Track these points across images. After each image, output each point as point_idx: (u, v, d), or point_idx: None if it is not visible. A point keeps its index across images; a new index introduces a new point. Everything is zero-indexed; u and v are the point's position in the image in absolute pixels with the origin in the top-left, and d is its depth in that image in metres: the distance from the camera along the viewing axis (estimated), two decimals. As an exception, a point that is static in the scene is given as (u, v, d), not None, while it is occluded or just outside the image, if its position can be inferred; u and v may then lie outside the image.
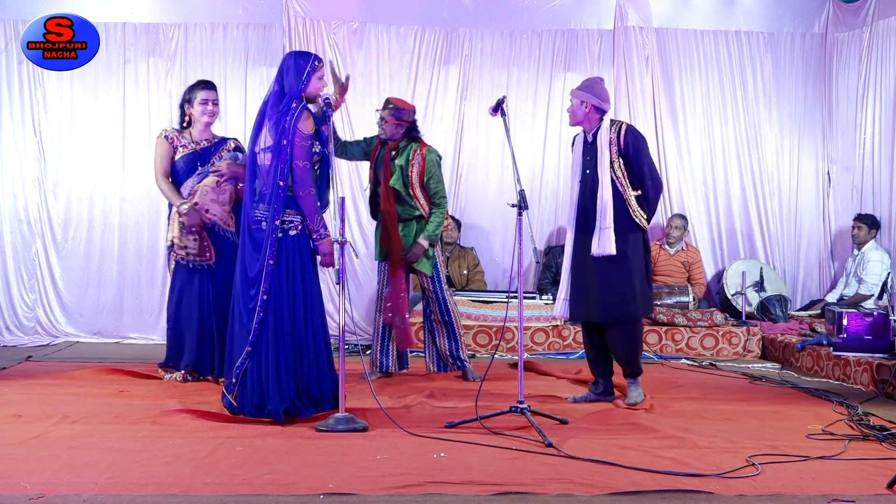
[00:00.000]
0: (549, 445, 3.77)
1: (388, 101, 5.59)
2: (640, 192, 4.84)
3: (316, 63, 4.39)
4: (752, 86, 8.13)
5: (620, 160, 4.81)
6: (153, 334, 7.51)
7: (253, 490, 3.08)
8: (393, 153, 5.52)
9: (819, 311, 7.38)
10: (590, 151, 4.90)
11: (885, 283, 7.23)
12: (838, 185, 8.12)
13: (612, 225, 4.73)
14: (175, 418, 4.21)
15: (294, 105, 4.29)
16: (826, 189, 8.20)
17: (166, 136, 5.40)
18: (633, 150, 4.81)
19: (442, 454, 3.63)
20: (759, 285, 7.69)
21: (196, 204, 5.29)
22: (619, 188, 4.79)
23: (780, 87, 8.16)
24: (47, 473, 3.23)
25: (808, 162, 8.21)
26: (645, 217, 4.85)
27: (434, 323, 5.72)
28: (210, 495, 3.02)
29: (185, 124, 5.46)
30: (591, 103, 4.85)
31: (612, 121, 4.90)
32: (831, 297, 7.62)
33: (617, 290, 4.79)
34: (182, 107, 5.48)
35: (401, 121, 5.49)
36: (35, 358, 6.41)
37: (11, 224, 7.54)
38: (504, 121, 4.46)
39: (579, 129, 5.03)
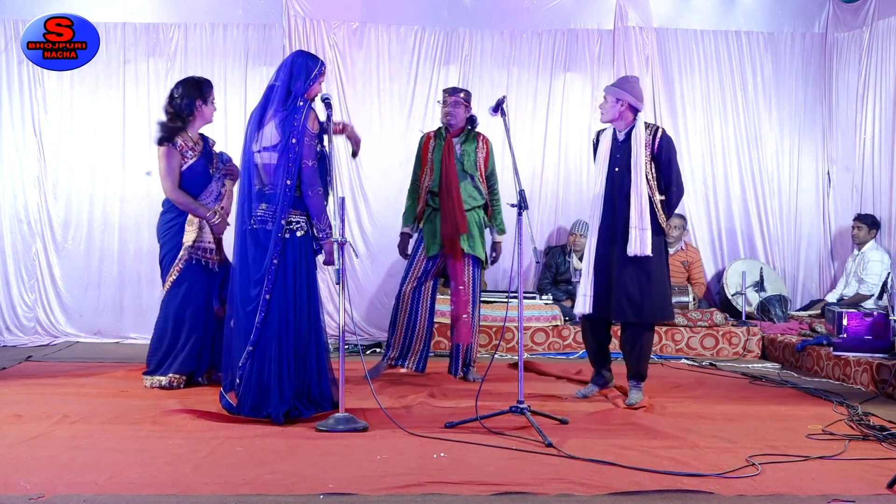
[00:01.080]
0: (549, 445, 3.77)
1: (455, 88, 5.67)
2: (664, 196, 4.89)
3: (322, 69, 4.42)
4: (752, 86, 8.13)
5: (652, 163, 4.86)
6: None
7: (253, 490, 3.08)
8: (455, 139, 5.54)
9: (819, 311, 7.37)
10: (620, 150, 4.92)
11: (885, 283, 7.23)
12: (838, 185, 8.11)
13: (650, 226, 4.78)
14: (175, 418, 4.21)
15: (301, 104, 4.29)
16: (826, 189, 8.20)
17: (174, 145, 5.08)
18: (665, 155, 4.87)
19: (442, 454, 3.63)
20: (759, 285, 7.69)
21: (223, 208, 5.23)
22: (649, 191, 4.84)
23: (780, 87, 8.16)
24: (47, 473, 3.23)
25: (808, 162, 8.21)
26: (666, 220, 4.91)
27: (459, 323, 5.56)
28: (210, 495, 3.02)
29: (186, 122, 5.14)
30: (627, 101, 4.87)
31: (646, 123, 4.93)
32: (831, 297, 7.62)
33: (641, 292, 4.84)
34: (190, 104, 5.12)
35: (469, 104, 5.58)
36: (35, 358, 6.41)
37: (11, 224, 7.54)
38: (504, 121, 4.46)
39: (604, 125, 5.09)
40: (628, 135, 4.89)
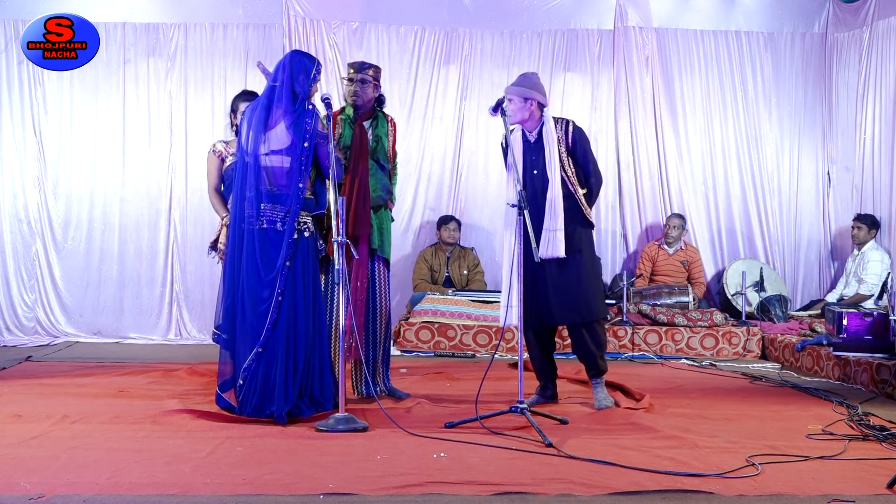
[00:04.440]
0: (549, 445, 3.76)
1: (363, 63, 4.94)
2: (585, 189, 4.74)
3: (319, 68, 4.44)
4: (752, 86, 8.13)
5: (569, 158, 4.71)
6: (153, 334, 7.53)
7: (253, 490, 3.08)
8: (365, 124, 4.85)
9: (819, 311, 7.38)
10: (534, 151, 4.72)
11: (885, 283, 7.23)
12: (838, 185, 8.12)
13: (564, 227, 4.59)
14: (175, 418, 4.21)
15: (311, 107, 4.32)
16: (826, 189, 8.21)
17: (214, 151, 5.14)
18: (580, 148, 4.71)
19: (442, 454, 3.63)
20: (759, 285, 7.68)
21: None
22: (570, 187, 4.67)
23: (780, 87, 8.17)
24: (47, 473, 3.23)
25: (808, 162, 8.22)
26: (591, 212, 4.75)
27: (373, 330, 4.87)
28: (210, 495, 3.01)
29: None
30: (535, 99, 4.67)
31: (555, 118, 4.76)
32: (831, 298, 7.62)
33: (575, 291, 4.66)
34: (231, 115, 5.26)
35: (378, 82, 4.89)
36: (35, 358, 6.41)
37: (11, 224, 7.55)
38: (504, 121, 4.45)
39: (511, 127, 4.74)
40: (540, 134, 4.69)
